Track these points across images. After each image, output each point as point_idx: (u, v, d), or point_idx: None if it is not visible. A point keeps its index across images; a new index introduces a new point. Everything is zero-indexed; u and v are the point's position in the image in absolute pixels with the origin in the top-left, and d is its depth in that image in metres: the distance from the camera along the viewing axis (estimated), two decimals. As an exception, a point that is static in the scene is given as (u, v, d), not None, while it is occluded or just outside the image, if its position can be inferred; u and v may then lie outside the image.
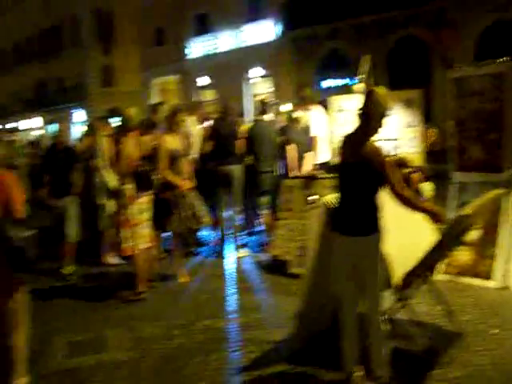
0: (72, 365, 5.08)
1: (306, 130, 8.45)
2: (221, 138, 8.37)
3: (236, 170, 8.31)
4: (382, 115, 4.07)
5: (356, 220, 4.07)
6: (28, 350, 4.80)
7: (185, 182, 7.15)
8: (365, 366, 4.19)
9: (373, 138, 4.08)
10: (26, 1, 41.90)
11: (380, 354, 4.11)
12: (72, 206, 7.88)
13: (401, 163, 6.23)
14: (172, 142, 7.10)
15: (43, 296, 6.90)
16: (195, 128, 8.93)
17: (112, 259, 8.45)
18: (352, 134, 4.22)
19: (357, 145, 4.07)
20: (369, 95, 4.12)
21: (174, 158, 7.05)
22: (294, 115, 8.77)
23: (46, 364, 5.13)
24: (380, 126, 4.11)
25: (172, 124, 7.21)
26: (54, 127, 37.75)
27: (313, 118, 8.46)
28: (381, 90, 4.15)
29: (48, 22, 39.31)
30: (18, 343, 4.61)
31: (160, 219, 7.03)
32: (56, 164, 7.96)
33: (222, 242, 8.47)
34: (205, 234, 9.12)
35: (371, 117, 4.06)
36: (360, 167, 4.02)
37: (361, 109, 4.14)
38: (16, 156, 13.07)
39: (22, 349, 4.66)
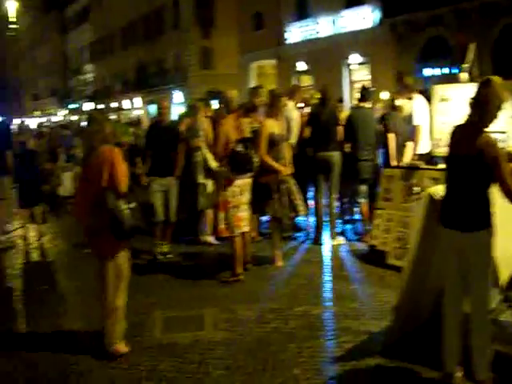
0: (168, 340, 5.21)
1: (408, 118, 8.23)
2: (321, 123, 8.28)
3: (335, 157, 8.20)
4: (499, 107, 3.88)
5: (467, 214, 3.90)
6: (127, 322, 5.07)
7: (285, 168, 7.16)
8: (465, 366, 4.04)
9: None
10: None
11: (483, 356, 3.93)
12: (174, 186, 8.02)
13: (510, 157, 5.93)
14: (273, 126, 7.10)
15: (141, 271, 7.08)
16: (294, 113, 8.88)
17: (209, 239, 8.60)
18: (463, 124, 4.04)
19: (470, 136, 3.89)
20: (486, 85, 3.91)
21: (274, 143, 7.06)
22: (397, 103, 8.55)
23: (144, 337, 5.29)
24: (495, 118, 3.91)
25: (275, 108, 7.21)
26: (153, 107, 38.97)
27: (415, 106, 8.21)
28: (498, 80, 3.94)
29: (151, 6, 40.42)
30: (119, 304, 4.96)
31: (259, 203, 7.07)
32: (159, 142, 7.99)
33: (318, 228, 8.40)
34: (302, 219, 9.07)
35: (487, 107, 3.87)
36: (473, 160, 3.84)
37: (474, 98, 3.95)
38: (120, 134, 13.53)
39: (122, 310, 4.98)
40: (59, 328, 5.65)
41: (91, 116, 5.62)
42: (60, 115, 57.31)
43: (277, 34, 27.45)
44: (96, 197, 4.83)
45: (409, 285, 4.85)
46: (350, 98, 21.79)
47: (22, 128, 12.14)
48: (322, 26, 24.89)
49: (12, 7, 34.81)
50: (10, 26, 38.20)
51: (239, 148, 6.75)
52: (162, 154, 7.93)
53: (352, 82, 23.86)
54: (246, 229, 6.89)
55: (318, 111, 8.51)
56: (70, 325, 5.73)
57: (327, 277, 6.94)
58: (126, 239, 4.97)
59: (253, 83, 27.90)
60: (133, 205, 4.88)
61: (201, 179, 8.47)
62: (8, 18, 35.51)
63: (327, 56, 23.59)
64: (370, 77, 22.48)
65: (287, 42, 27.22)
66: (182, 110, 20.35)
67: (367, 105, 8.61)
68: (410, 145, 8.10)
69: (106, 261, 4.92)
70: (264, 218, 8.64)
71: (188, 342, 5.14)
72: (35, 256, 8.91)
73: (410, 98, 8.34)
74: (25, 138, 10.32)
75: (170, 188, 7.96)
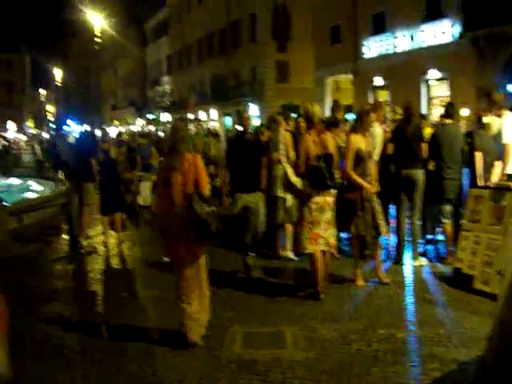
0: (249, 356, 5.11)
1: (496, 136, 7.91)
2: (405, 140, 8.05)
3: (419, 175, 7.94)
4: None
5: None
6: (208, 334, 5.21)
7: (371, 186, 6.99)
8: None
9: None
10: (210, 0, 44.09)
11: None
12: (261, 201, 7.79)
13: None
14: (360, 142, 6.96)
15: (219, 285, 6.94)
16: (378, 129, 8.69)
17: (289, 254, 8.46)
18: None
19: None
20: None
21: (361, 159, 6.91)
22: (485, 120, 8.23)
23: (223, 352, 5.21)
24: None
25: (364, 124, 7.07)
26: (228, 119, 39.31)
27: (506, 124, 7.87)
28: None
29: (228, 19, 41.01)
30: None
31: (342, 219, 6.90)
32: (244, 156, 7.79)
33: (399, 248, 8.14)
34: (383, 238, 8.84)
35: None
36: None
37: None
38: (200, 146, 13.67)
39: (206, 311, 5.43)
40: (138, 338, 5.63)
41: (175, 125, 5.91)
42: (138, 125, 58.88)
43: (353, 48, 27.19)
44: (178, 200, 5.19)
45: (504, 312, 4.59)
46: (428, 114, 21.26)
47: (105, 137, 12.42)
48: (401, 41, 24.43)
49: (97, 23, 36.42)
50: (95, 40, 39.88)
51: (319, 164, 6.60)
52: (248, 169, 7.71)
53: (430, 98, 23.30)
54: (324, 247, 6.63)
55: (402, 127, 8.28)
56: (149, 335, 5.72)
57: (409, 299, 6.71)
58: (210, 240, 5.29)
59: (329, 98, 27.76)
60: (213, 208, 5.23)
61: (280, 193, 8.37)
62: (93, 32, 37.18)
63: (405, 71, 23.10)
64: (449, 93, 21.88)
65: (364, 56, 26.91)
66: (258, 122, 20.44)
67: (452, 121, 8.33)
68: (498, 164, 7.78)
69: (188, 262, 5.28)
70: (343, 235, 8.45)
71: (268, 359, 5.02)
72: (115, 262, 9.08)
73: (499, 116, 8.02)
74: (107, 147, 10.57)
75: (257, 203, 7.71)
